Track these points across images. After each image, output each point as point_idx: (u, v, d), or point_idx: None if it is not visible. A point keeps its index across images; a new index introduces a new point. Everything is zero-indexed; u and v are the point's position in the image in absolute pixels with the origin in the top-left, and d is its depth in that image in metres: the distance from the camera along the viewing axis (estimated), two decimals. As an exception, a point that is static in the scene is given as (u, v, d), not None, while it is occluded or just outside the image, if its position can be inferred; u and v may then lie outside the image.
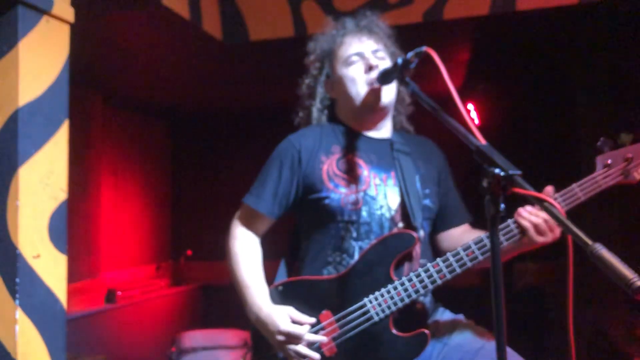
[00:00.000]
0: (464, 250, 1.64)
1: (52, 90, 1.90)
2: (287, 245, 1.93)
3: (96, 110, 4.68)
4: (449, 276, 1.64)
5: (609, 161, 1.64)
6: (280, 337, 1.64)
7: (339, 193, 1.73)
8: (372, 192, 1.74)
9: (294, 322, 1.65)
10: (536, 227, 1.62)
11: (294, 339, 1.63)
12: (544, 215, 1.60)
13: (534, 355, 1.89)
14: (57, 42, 1.93)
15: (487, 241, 1.62)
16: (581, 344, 3.58)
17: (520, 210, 1.64)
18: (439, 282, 1.64)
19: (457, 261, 1.64)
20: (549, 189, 1.63)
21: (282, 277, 1.85)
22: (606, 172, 1.63)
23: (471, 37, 3.69)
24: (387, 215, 1.73)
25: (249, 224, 1.84)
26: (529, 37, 3.67)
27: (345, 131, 1.84)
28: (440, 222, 1.90)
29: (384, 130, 1.85)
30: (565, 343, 1.30)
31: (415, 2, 3.14)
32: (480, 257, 1.63)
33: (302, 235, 1.86)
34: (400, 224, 1.74)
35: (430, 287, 1.64)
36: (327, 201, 1.73)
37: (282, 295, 1.74)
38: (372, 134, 1.84)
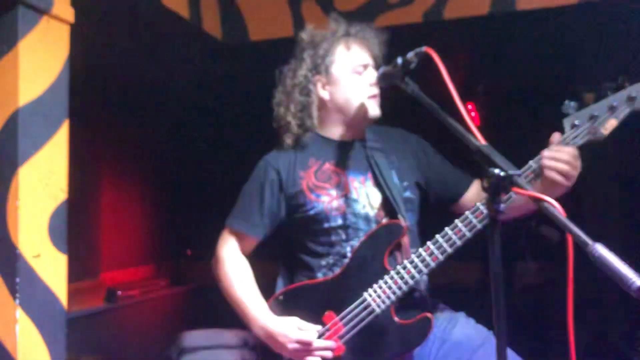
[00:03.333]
0: (452, 229, 1.66)
1: (52, 90, 1.90)
2: (281, 258, 1.95)
3: (96, 109, 4.68)
4: (441, 257, 1.66)
5: (576, 122, 1.66)
6: (293, 346, 1.66)
7: (321, 202, 1.77)
8: (353, 195, 1.78)
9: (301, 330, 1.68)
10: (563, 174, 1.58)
11: (306, 345, 1.66)
12: (566, 156, 1.58)
13: (535, 355, 1.89)
14: (57, 42, 1.94)
15: (471, 217, 1.64)
16: (581, 344, 3.57)
17: (546, 155, 1.60)
18: (433, 264, 1.66)
19: (446, 241, 1.65)
20: (557, 135, 1.64)
21: (281, 288, 1.87)
22: (574, 132, 1.65)
23: (471, 37, 3.69)
24: (371, 213, 1.77)
25: (235, 247, 1.88)
26: (529, 37, 3.67)
27: (319, 141, 1.87)
28: (448, 194, 1.91)
29: (359, 133, 1.89)
30: (565, 343, 1.30)
31: (415, 2, 3.14)
32: (469, 234, 1.65)
33: (293, 247, 1.88)
34: (384, 220, 1.77)
35: (425, 270, 1.67)
36: (312, 212, 1.77)
37: (284, 305, 1.77)
38: (350, 139, 1.87)
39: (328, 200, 1.77)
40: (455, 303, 1.88)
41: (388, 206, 1.78)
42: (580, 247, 1.06)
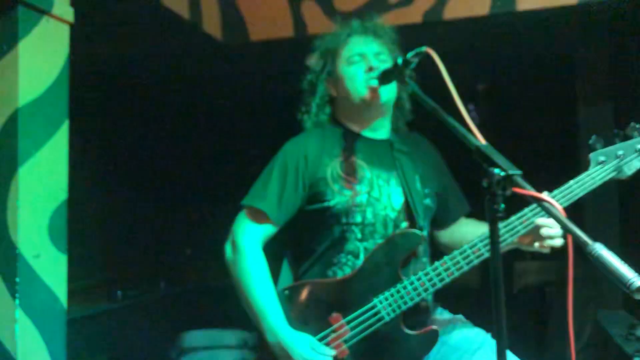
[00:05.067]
0: (471, 247, 1.65)
1: (52, 90, 1.90)
2: (288, 247, 1.93)
3: (96, 109, 4.68)
4: (457, 274, 1.66)
5: (602, 158, 1.71)
6: None
7: (344, 195, 1.74)
8: (375, 193, 1.75)
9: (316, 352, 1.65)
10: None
11: None
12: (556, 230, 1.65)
13: (534, 355, 1.89)
14: (57, 42, 1.93)
15: None
16: (581, 344, 3.58)
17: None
18: (447, 280, 1.66)
19: (464, 258, 1.65)
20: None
21: (285, 280, 1.85)
22: (601, 169, 1.70)
23: (471, 37, 3.69)
24: (392, 215, 1.74)
25: (253, 231, 1.78)
26: (528, 37, 3.67)
27: (345, 133, 1.86)
28: (442, 218, 1.91)
29: (382, 131, 1.87)
30: (565, 343, 1.30)
31: (415, 2, 3.14)
32: (487, 254, 1.64)
33: (304, 238, 1.85)
34: (404, 224, 1.75)
35: (439, 285, 1.66)
36: (331, 203, 1.74)
37: (288, 300, 1.74)
38: (372, 134, 1.86)
39: (350, 195, 1.74)
40: (454, 304, 1.88)
41: (408, 211, 1.76)
42: (580, 247, 1.06)
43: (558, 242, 1.65)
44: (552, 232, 1.64)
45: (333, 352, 1.66)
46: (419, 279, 1.65)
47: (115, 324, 4.43)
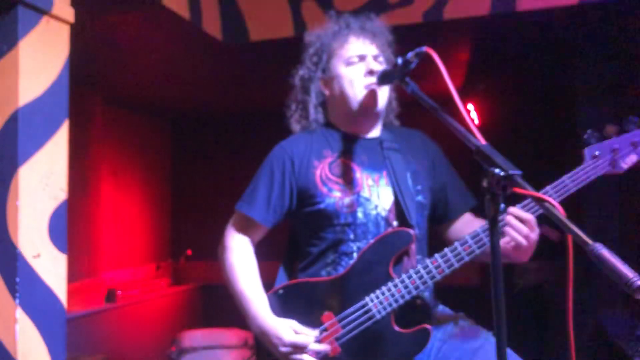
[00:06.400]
0: (461, 245, 1.65)
1: (52, 90, 1.90)
2: (285, 249, 1.94)
3: (96, 110, 4.68)
4: (447, 271, 1.65)
5: (597, 152, 1.69)
6: (285, 349, 1.65)
7: (333, 197, 1.74)
8: (365, 193, 1.75)
9: (297, 334, 1.67)
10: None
11: (299, 349, 1.65)
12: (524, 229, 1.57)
13: (534, 355, 1.89)
14: (57, 42, 1.93)
15: (483, 235, 1.63)
16: (581, 344, 3.58)
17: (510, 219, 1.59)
18: (438, 277, 1.66)
19: (455, 256, 1.65)
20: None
21: (281, 281, 1.86)
22: (595, 163, 1.68)
23: (471, 37, 3.69)
24: (382, 214, 1.74)
25: (242, 233, 1.84)
26: (529, 37, 3.67)
27: (335, 134, 1.85)
28: (442, 214, 1.90)
29: (374, 131, 1.86)
30: (565, 343, 1.30)
31: (415, 2, 3.14)
32: (477, 251, 1.64)
33: (299, 240, 1.86)
34: (395, 223, 1.75)
35: (430, 283, 1.66)
36: (322, 206, 1.75)
37: (282, 299, 1.75)
38: (363, 134, 1.85)
39: (340, 196, 1.74)
40: (455, 303, 1.88)
41: (399, 209, 1.75)
42: (580, 246, 1.06)
43: (522, 240, 1.56)
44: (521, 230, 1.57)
45: (315, 333, 1.66)
46: (409, 277, 1.66)
47: (115, 324, 4.43)
